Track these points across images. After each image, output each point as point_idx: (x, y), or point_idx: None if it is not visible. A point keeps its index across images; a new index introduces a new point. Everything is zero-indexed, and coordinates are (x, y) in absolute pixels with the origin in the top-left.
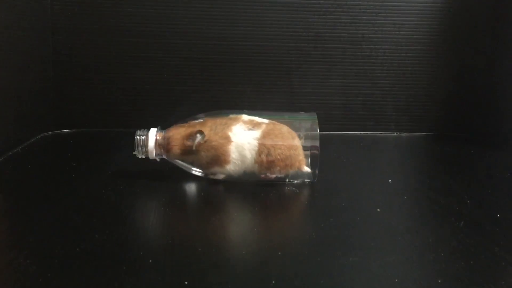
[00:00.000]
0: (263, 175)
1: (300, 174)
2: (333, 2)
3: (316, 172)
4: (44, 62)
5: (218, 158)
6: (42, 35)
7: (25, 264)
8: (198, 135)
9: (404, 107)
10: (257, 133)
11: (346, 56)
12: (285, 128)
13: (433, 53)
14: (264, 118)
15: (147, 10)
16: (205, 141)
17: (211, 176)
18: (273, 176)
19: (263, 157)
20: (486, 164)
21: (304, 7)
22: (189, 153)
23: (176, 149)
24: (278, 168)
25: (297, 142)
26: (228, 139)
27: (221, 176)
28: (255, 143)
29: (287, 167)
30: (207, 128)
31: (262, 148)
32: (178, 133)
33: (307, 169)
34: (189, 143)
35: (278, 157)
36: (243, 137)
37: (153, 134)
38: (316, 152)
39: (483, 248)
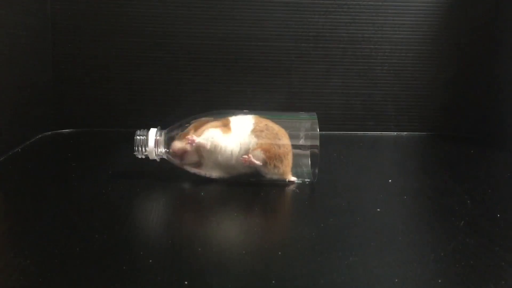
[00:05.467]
0: (246, 156)
1: (300, 174)
2: (333, 2)
3: (316, 172)
4: (44, 62)
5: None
6: (42, 35)
7: (25, 264)
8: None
9: (404, 107)
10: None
11: (346, 56)
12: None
13: (433, 53)
14: (263, 118)
15: (147, 10)
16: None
17: (207, 175)
18: (257, 162)
19: (260, 133)
20: (486, 164)
21: (304, 7)
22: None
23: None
24: (268, 154)
25: (289, 147)
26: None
27: (214, 175)
28: (252, 121)
29: (275, 161)
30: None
31: (259, 126)
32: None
33: (293, 178)
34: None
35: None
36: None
37: (153, 134)
38: (316, 151)
39: (483, 248)
